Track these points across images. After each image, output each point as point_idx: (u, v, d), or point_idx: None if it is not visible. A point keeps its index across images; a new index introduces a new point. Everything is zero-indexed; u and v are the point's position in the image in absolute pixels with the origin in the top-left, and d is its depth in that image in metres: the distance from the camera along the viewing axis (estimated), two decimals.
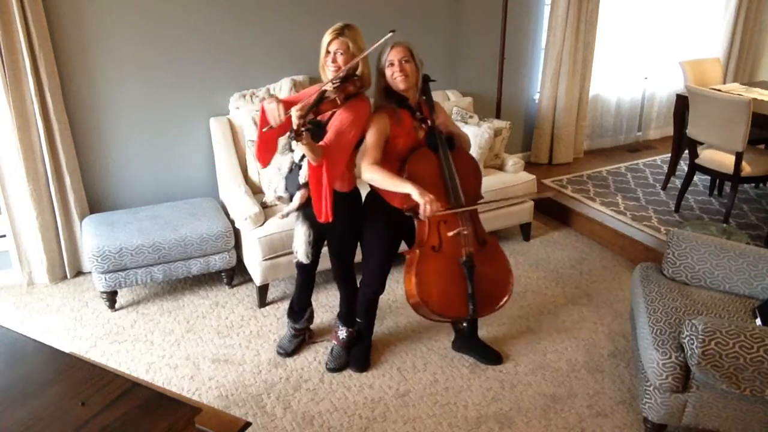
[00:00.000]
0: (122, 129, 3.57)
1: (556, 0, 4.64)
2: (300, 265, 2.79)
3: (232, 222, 3.41)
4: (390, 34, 2.35)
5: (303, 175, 2.50)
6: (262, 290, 3.32)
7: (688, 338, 2.11)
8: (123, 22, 3.38)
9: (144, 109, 3.58)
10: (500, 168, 4.04)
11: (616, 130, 5.59)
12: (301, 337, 2.99)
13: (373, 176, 2.45)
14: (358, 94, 2.48)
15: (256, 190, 3.54)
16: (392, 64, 2.46)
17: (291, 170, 2.58)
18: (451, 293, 2.54)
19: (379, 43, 2.37)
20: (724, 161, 3.92)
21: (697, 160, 4.14)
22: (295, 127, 2.18)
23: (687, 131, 4.11)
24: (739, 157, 3.80)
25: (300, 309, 2.94)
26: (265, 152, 2.57)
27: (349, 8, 3.94)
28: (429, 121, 2.56)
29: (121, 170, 3.65)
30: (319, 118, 2.48)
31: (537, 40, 4.87)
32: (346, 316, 2.87)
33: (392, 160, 2.52)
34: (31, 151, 3.28)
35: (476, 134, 3.84)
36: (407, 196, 2.43)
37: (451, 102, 4.21)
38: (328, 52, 2.43)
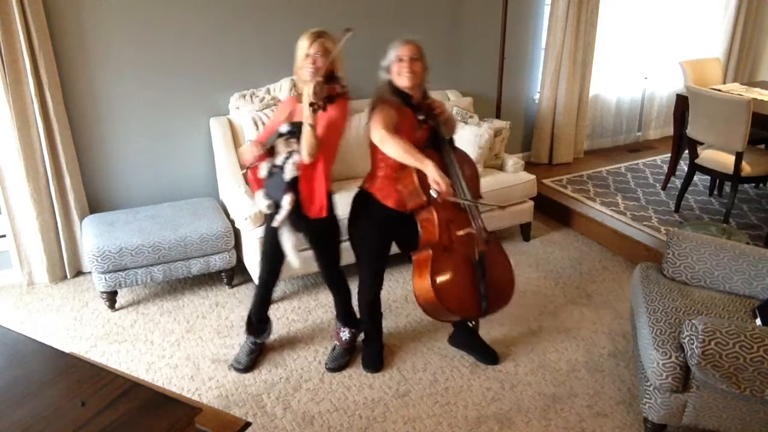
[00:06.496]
0: (122, 129, 3.57)
1: (556, 0, 4.64)
2: (263, 277, 2.77)
3: (232, 222, 3.41)
4: (349, 33, 2.39)
5: (289, 171, 2.46)
6: None
7: (688, 338, 2.11)
8: (123, 22, 3.38)
9: (144, 109, 3.58)
10: (500, 168, 4.04)
11: (616, 130, 5.59)
12: (259, 351, 2.89)
13: (390, 142, 2.35)
14: (343, 94, 2.49)
15: None
16: (401, 60, 2.45)
17: (271, 174, 2.53)
18: (466, 294, 2.56)
19: (342, 42, 2.43)
20: (724, 161, 3.92)
21: (697, 160, 4.14)
22: (312, 101, 2.31)
23: (687, 131, 4.11)
24: (739, 157, 3.80)
25: (258, 321, 2.84)
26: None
27: (349, 9, 3.94)
28: (431, 121, 2.56)
29: (121, 170, 3.65)
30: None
31: (537, 40, 4.87)
32: (344, 316, 2.86)
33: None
34: (31, 151, 3.28)
35: (476, 134, 3.84)
36: (401, 196, 2.48)
37: (451, 102, 4.21)
38: (307, 55, 2.46)
